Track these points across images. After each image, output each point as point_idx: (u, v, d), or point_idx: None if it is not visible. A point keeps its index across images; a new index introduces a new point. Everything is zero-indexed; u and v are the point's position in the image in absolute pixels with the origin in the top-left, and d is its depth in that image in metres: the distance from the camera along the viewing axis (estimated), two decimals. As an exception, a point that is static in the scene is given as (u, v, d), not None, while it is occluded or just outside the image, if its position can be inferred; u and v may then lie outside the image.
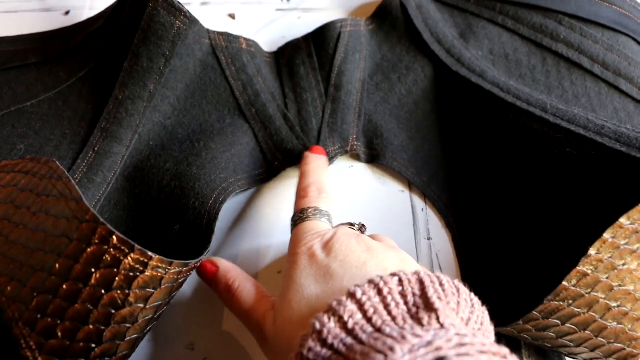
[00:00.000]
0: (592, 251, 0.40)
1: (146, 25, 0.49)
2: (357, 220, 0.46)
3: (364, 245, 0.39)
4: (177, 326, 0.47)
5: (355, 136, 0.53)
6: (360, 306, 0.30)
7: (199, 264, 0.43)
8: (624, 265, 0.40)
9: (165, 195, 0.47)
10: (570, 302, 0.40)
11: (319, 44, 0.55)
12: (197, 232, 0.45)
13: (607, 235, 0.40)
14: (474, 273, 0.50)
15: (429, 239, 0.53)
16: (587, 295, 0.40)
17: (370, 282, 0.32)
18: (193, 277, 0.48)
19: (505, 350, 0.27)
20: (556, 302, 0.40)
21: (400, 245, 0.49)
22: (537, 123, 0.51)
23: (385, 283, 0.32)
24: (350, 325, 0.29)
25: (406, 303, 0.31)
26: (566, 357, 0.49)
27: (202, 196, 0.47)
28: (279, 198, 0.53)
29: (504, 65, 0.57)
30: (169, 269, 0.38)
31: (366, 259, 0.37)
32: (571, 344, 0.42)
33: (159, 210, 0.47)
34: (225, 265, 0.43)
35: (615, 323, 0.41)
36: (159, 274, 0.38)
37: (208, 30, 0.53)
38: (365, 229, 0.45)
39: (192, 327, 0.47)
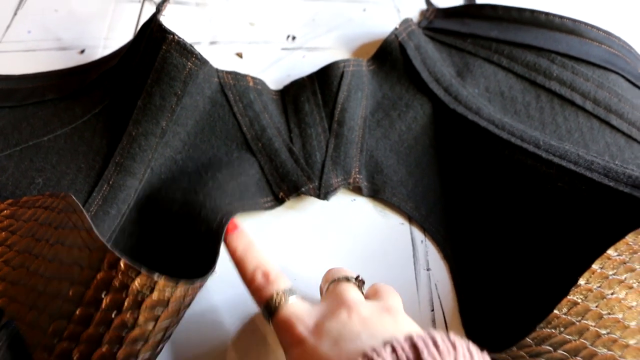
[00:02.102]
0: (581, 281, 0.42)
1: (159, 66, 0.51)
2: (358, 254, 0.47)
3: (356, 317, 0.37)
4: (189, 350, 0.48)
5: (357, 169, 0.55)
6: None
7: (204, 283, 0.44)
8: (612, 294, 0.42)
9: (173, 223, 0.49)
10: (562, 329, 0.42)
11: (323, 82, 0.58)
12: (203, 255, 0.47)
13: (595, 266, 0.42)
14: (471, 302, 0.52)
15: (428, 269, 0.54)
16: (577, 323, 0.42)
17: (364, 355, 0.31)
18: (206, 303, 0.50)
19: None
20: (548, 330, 0.42)
21: (400, 276, 0.52)
22: (530, 159, 0.53)
23: (379, 355, 0.31)
24: None
25: None
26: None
27: (207, 221, 0.48)
28: (282, 221, 0.55)
29: (499, 102, 0.60)
30: (175, 289, 0.40)
31: (359, 330, 0.36)
32: (564, 370, 0.44)
33: (168, 237, 0.49)
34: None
35: (605, 350, 0.43)
36: (166, 295, 0.39)
37: (217, 70, 0.55)
38: (364, 283, 0.44)
39: (204, 353, 0.48)
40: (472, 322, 0.51)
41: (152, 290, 0.39)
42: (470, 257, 0.54)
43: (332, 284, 0.43)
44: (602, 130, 0.59)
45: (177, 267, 0.47)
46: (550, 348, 0.43)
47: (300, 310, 0.40)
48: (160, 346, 0.43)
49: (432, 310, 0.52)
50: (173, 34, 0.51)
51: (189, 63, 0.51)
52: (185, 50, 0.51)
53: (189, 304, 0.45)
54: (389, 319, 0.38)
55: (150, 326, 0.40)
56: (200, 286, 0.44)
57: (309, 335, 0.37)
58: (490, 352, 0.44)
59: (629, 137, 0.59)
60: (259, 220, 0.55)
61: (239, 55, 0.63)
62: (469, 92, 0.59)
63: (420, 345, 0.32)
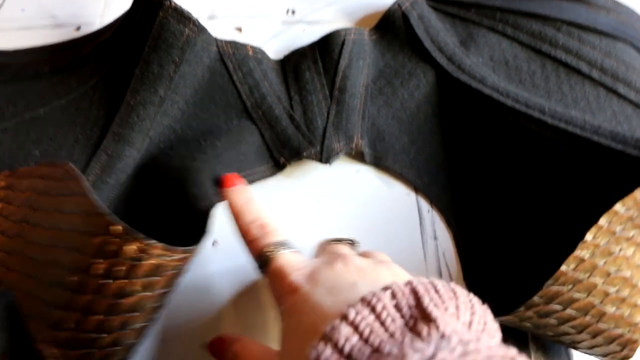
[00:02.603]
0: (588, 237, 0.41)
1: (157, 33, 0.51)
2: (363, 224, 0.47)
3: (352, 266, 0.36)
4: (190, 322, 0.48)
5: (359, 135, 0.55)
6: (355, 327, 0.28)
7: (199, 250, 0.44)
8: (620, 251, 0.41)
9: (170, 188, 0.49)
10: (570, 286, 0.41)
11: (324, 50, 0.57)
12: (197, 220, 0.46)
13: (602, 221, 0.41)
14: (476, 267, 0.51)
15: (435, 238, 0.54)
16: (585, 281, 0.41)
17: (363, 299, 0.30)
18: (204, 274, 0.50)
19: (512, 351, 0.26)
20: (556, 287, 0.41)
21: (407, 246, 0.52)
22: (535, 125, 0.52)
23: (378, 299, 0.30)
24: (346, 349, 0.28)
25: (402, 316, 0.29)
26: (571, 351, 0.50)
27: (203, 187, 0.48)
28: (287, 191, 0.55)
29: (504, 71, 0.59)
30: (172, 256, 0.39)
31: (356, 279, 0.35)
32: (573, 331, 0.43)
33: (165, 204, 0.49)
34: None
35: (614, 308, 0.42)
36: (163, 262, 0.39)
37: (216, 39, 0.55)
38: (356, 244, 0.44)
39: (205, 324, 0.49)
40: (477, 288, 0.50)
41: (149, 257, 0.38)
42: (474, 224, 0.53)
43: (324, 245, 0.43)
44: (609, 99, 0.58)
45: (173, 235, 0.47)
46: (559, 307, 0.42)
47: (294, 260, 0.39)
48: (156, 315, 0.43)
49: (438, 273, 0.52)
50: (170, 0, 0.51)
51: (186, 30, 0.51)
52: (183, 17, 0.51)
53: (185, 272, 0.44)
54: (385, 269, 0.37)
55: (146, 294, 0.39)
56: (196, 252, 0.43)
57: (304, 283, 0.36)
58: (497, 315, 0.43)
59: (637, 105, 0.58)
60: (260, 188, 0.54)
61: (239, 29, 0.63)
62: (472, 61, 0.58)
63: (421, 290, 0.31)
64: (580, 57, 0.58)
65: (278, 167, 0.55)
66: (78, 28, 0.63)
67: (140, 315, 0.40)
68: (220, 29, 0.62)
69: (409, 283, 0.31)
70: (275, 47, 0.61)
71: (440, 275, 0.52)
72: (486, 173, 0.55)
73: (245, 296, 0.50)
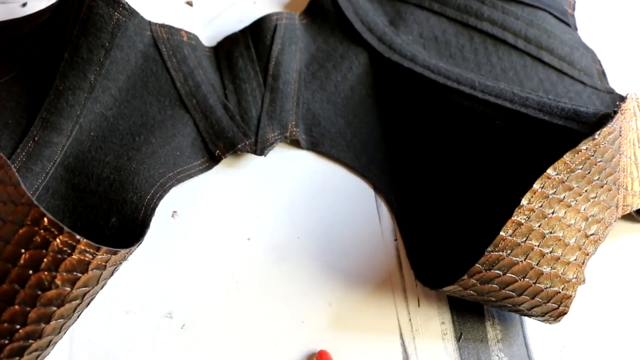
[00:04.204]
0: (524, 201, 0.42)
1: (85, 17, 0.50)
2: (310, 205, 0.49)
3: None
4: (155, 295, 0.49)
5: (294, 122, 0.55)
6: None
7: (130, 253, 0.44)
8: (553, 213, 0.43)
9: (104, 188, 0.48)
10: (509, 251, 0.43)
11: (256, 36, 0.57)
12: (133, 226, 0.47)
13: (536, 185, 0.42)
14: (419, 242, 0.53)
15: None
16: (523, 244, 0.43)
17: None
18: (164, 245, 0.51)
19: None
20: (496, 253, 0.42)
21: (360, 209, 0.54)
22: (467, 100, 0.54)
23: None
24: None
25: None
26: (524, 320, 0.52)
27: (140, 191, 0.48)
28: (225, 183, 0.55)
29: (434, 47, 0.60)
30: (96, 254, 0.39)
31: None
32: (514, 294, 0.45)
33: (97, 202, 0.48)
34: None
35: (549, 268, 0.44)
36: (87, 258, 0.38)
37: (149, 22, 0.54)
38: None
39: (169, 295, 0.49)
40: (421, 263, 0.52)
41: (72, 250, 0.38)
42: (414, 200, 0.54)
43: None
44: (535, 67, 0.60)
45: (104, 233, 0.46)
46: (500, 272, 0.43)
47: None
48: (78, 313, 0.42)
49: (395, 239, 0.53)
50: None
51: (116, 13, 0.50)
52: (112, 0, 0.50)
53: (112, 274, 0.44)
54: None
55: (67, 288, 0.39)
56: (125, 257, 0.43)
57: None
58: (442, 286, 0.45)
59: (561, 71, 0.60)
60: (197, 180, 0.54)
61: (189, 3, 0.62)
62: (403, 39, 0.59)
63: None
64: (505, 28, 0.60)
65: (214, 160, 0.54)
66: (24, 4, 0.62)
67: (59, 311, 0.39)
68: (171, 4, 0.61)
69: None
70: (227, 20, 0.61)
71: (395, 237, 0.54)
72: (423, 150, 0.56)
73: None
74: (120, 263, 0.44)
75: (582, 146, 0.44)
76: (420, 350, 0.50)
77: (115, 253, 0.41)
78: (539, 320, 0.48)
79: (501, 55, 0.60)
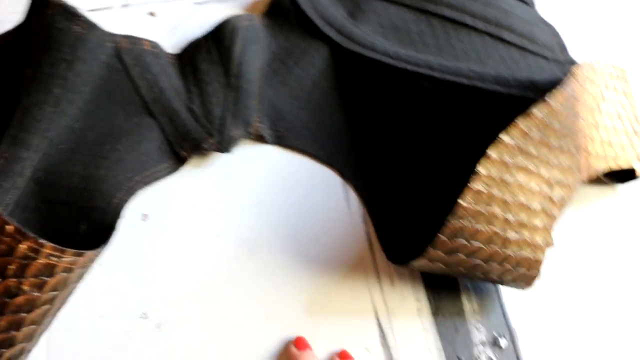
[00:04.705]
0: (481, 170, 0.43)
1: (46, 32, 0.51)
2: (278, 196, 0.51)
3: None
4: (129, 297, 0.49)
5: (258, 119, 0.56)
6: None
7: (97, 255, 0.45)
8: (513, 179, 0.44)
9: (73, 197, 0.49)
10: (471, 220, 0.43)
11: (218, 39, 0.58)
12: (102, 230, 0.47)
13: (491, 153, 0.43)
14: (387, 224, 0.54)
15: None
16: (485, 212, 0.43)
17: None
18: (135, 248, 0.51)
19: None
20: (458, 222, 0.43)
21: (328, 196, 0.55)
22: (426, 81, 0.55)
23: None
24: None
25: None
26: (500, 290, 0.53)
27: (107, 196, 0.49)
28: (190, 186, 0.55)
29: (394, 35, 0.61)
30: (62, 257, 0.40)
31: None
32: (482, 262, 0.45)
33: (67, 211, 0.49)
34: None
35: (515, 234, 0.44)
36: (52, 262, 0.39)
37: (111, 34, 0.55)
38: None
39: (143, 296, 0.50)
40: (391, 242, 0.53)
41: (38, 255, 0.38)
42: (380, 183, 0.55)
43: None
44: (496, 46, 0.61)
45: (72, 240, 0.47)
46: (464, 241, 0.44)
47: None
48: (49, 319, 0.43)
49: (365, 223, 0.54)
50: None
51: (75, 27, 0.51)
52: (70, 14, 0.51)
53: (81, 277, 0.45)
54: None
55: (35, 293, 0.39)
56: (91, 259, 0.44)
57: None
58: (409, 262, 0.45)
59: (522, 48, 0.61)
60: (166, 183, 0.55)
61: (152, 14, 0.63)
62: (362, 30, 0.60)
63: None
64: (463, 10, 0.61)
65: (180, 162, 0.55)
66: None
67: (29, 317, 0.40)
68: (134, 16, 0.62)
69: None
70: (190, 27, 0.62)
71: (364, 220, 0.54)
72: (386, 133, 0.57)
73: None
74: (89, 266, 0.45)
75: (536, 111, 0.44)
76: (397, 328, 0.50)
77: (80, 255, 0.41)
78: (512, 287, 0.48)
79: (461, 37, 0.61)
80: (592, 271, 0.55)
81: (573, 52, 0.63)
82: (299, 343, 0.47)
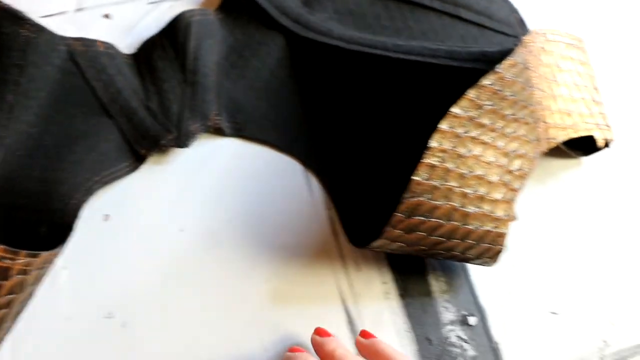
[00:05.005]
0: (434, 143, 0.42)
1: None
2: (239, 187, 0.51)
3: None
4: (94, 298, 0.49)
5: (216, 112, 0.55)
6: None
7: (53, 256, 0.44)
8: (468, 152, 0.43)
9: (31, 201, 0.48)
10: (428, 195, 0.42)
11: (171, 36, 0.57)
12: (61, 232, 0.47)
13: (443, 126, 0.43)
14: (349, 208, 0.53)
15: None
16: (441, 187, 0.43)
17: None
18: (99, 249, 0.51)
19: None
20: (415, 199, 0.42)
21: (290, 183, 0.55)
22: (381, 62, 0.55)
23: None
24: None
25: None
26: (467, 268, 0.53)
27: (66, 198, 0.48)
28: (151, 183, 0.55)
29: (350, 21, 0.61)
30: (16, 259, 0.39)
31: None
32: (443, 239, 0.44)
33: (26, 216, 0.48)
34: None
35: (475, 208, 0.44)
36: (6, 264, 0.38)
37: (63, 37, 0.54)
38: None
39: (108, 296, 0.49)
40: (353, 226, 0.52)
41: None
42: (340, 167, 0.55)
43: None
44: (454, 25, 0.61)
45: (32, 244, 0.46)
46: (423, 218, 0.43)
47: None
48: (8, 323, 0.42)
49: (328, 209, 0.54)
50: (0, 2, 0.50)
51: (23, 31, 0.51)
52: (16, 18, 0.50)
53: (39, 279, 0.44)
54: None
55: None
56: (48, 260, 0.43)
57: None
58: (369, 243, 0.45)
59: (481, 25, 0.61)
60: (127, 182, 0.54)
61: (107, 16, 0.63)
62: (317, 17, 0.59)
63: None
64: (419, -9, 0.61)
65: (140, 160, 0.54)
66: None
67: None
68: (89, 19, 0.61)
69: None
70: (146, 27, 0.61)
71: (327, 206, 0.54)
72: (344, 118, 0.57)
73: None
74: (46, 267, 0.44)
75: (485, 81, 0.44)
76: (365, 312, 0.50)
77: (35, 256, 0.41)
78: (478, 263, 0.48)
79: (418, 18, 0.61)
80: (558, 244, 0.55)
81: (532, 27, 0.63)
82: (321, 332, 0.47)
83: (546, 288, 0.52)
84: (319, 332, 0.46)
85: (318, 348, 0.45)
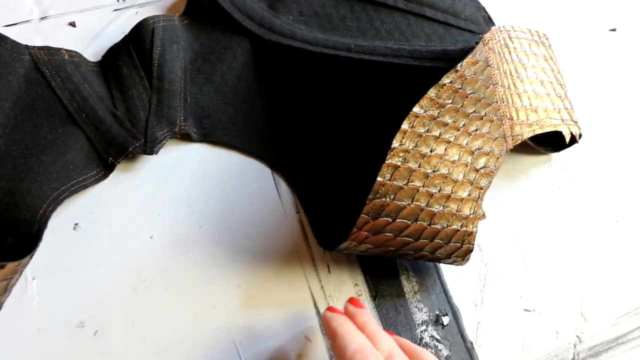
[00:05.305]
0: (395, 143, 0.42)
1: None
2: (209, 194, 0.52)
3: None
4: (64, 307, 0.48)
5: (182, 118, 0.55)
6: None
7: (21, 266, 0.44)
8: (431, 151, 0.43)
9: None
10: (392, 196, 0.42)
11: (136, 42, 0.57)
12: (28, 242, 0.47)
13: (405, 125, 0.43)
14: (317, 210, 0.53)
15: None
16: (405, 187, 0.43)
17: None
18: (68, 258, 0.50)
19: None
20: (379, 200, 0.42)
21: (259, 188, 0.55)
22: (344, 63, 0.56)
23: None
24: None
25: None
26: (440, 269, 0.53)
27: (32, 208, 0.48)
28: (120, 191, 0.54)
29: (316, 23, 0.61)
30: None
31: None
32: (411, 239, 0.44)
33: None
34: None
35: (441, 207, 0.44)
36: None
37: (27, 46, 0.54)
38: None
39: (79, 305, 0.49)
40: (321, 228, 0.52)
41: None
42: (308, 170, 0.55)
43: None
44: (420, 24, 0.61)
45: (4, 256, 0.46)
46: (388, 218, 0.43)
47: None
48: None
49: (297, 212, 0.54)
50: None
51: None
52: None
53: (6, 290, 0.44)
54: None
55: None
56: (14, 270, 0.43)
57: None
58: (336, 247, 0.45)
59: (446, 24, 0.61)
60: (96, 190, 0.54)
61: (72, 24, 0.62)
62: (282, 20, 0.59)
63: None
64: (383, -9, 0.61)
65: (109, 168, 0.54)
66: None
67: None
68: (54, 27, 0.61)
69: None
70: (112, 34, 0.61)
71: (297, 209, 0.54)
72: (309, 120, 0.57)
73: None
74: (14, 278, 0.44)
75: (445, 80, 0.44)
76: (336, 314, 0.49)
77: (2, 267, 0.41)
78: (448, 263, 0.48)
79: (384, 18, 0.61)
80: (530, 241, 0.55)
81: (500, 24, 0.63)
82: (355, 302, 0.46)
83: (519, 286, 0.53)
84: (352, 301, 0.45)
85: (351, 317, 0.44)
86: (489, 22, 0.63)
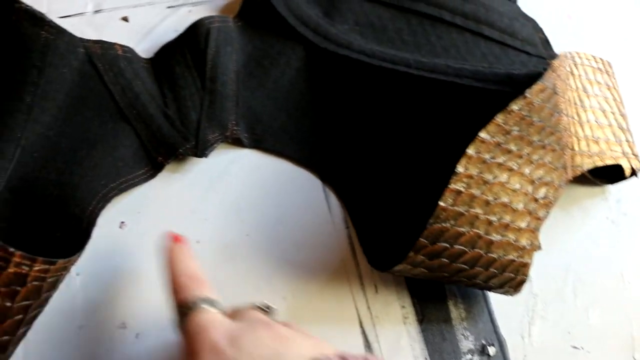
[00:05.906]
0: (459, 169, 0.42)
1: (12, 39, 0.49)
2: (257, 204, 0.50)
3: (276, 334, 0.35)
4: (107, 307, 0.48)
5: (234, 122, 0.55)
6: None
7: (70, 263, 0.43)
8: (494, 178, 0.43)
9: (47, 205, 0.48)
10: (452, 222, 0.42)
11: (191, 42, 0.56)
12: (77, 238, 0.46)
13: (470, 151, 0.42)
14: (369, 228, 0.53)
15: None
16: (466, 213, 0.42)
17: None
18: (113, 256, 0.50)
19: None
20: (439, 225, 0.42)
21: (309, 201, 0.54)
22: (403, 78, 0.55)
23: None
24: None
25: None
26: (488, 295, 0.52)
27: (82, 203, 0.48)
28: (168, 192, 0.54)
29: (371, 34, 0.60)
30: (33, 266, 0.38)
31: (279, 349, 0.34)
32: (466, 267, 0.44)
33: (42, 220, 0.47)
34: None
35: (499, 236, 0.43)
36: (23, 271, 0.38)
37: (82, 39, 0.53)
38: (272, 309, 0.42)
39: (122, 305, 0.48)
40: (373, 247, 0.51)
41: (7, 264, 0.37)
42: (361, 185, 0.54)
43: (242, 310, 0.40)
44: (476, 42, 0.60)
45: (46, 248, 0.46)
46: (446, 244, 0.42)
47: (217, 319, 0.37)
48: (22, 329, 0.41)
49: (347, 227, 0.53)
50: (20, 2, 0.49)
51: (43, 32, 0.50)
52: (37, 19, 0.49)
53: (55, 286, 0.43)
54: (308, 340, 0.36)
55: (7, 304, 0.38)
56: (64, 267, 0.43)
57: (226, 346, 0.34)
58: (391, 267, 0.44)
59: (503, 44, 0.60)
60: (143, 189, 0.53)
61: (125, 19, 0.62)
62: (338, 29, 0.59)
63: None
64: (441, 6, 0.60)
65: (157, 168, 0.53)
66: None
67: (1, 328, 0.39)
68: (107, 21, 0.61)
69: (339, 355, 0.32)
70: (164, 32, 0.60)
71: (347, 225, 0.53)
72: (365, 134, 0.56)
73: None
74: (62, 274, 0.43)
75: (514, 106, 0.43)
76: (382, 336, 0.49)
77: (52, 263, 0.40)
78: (499, 292, 0.47)
79: (440, 34, 0.60)
80: (581, 274, 0.54)
81: (557, 48, 0.62)
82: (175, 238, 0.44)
83: (568, 321, 0.52)
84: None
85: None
86: (546, 44, 0.62)
